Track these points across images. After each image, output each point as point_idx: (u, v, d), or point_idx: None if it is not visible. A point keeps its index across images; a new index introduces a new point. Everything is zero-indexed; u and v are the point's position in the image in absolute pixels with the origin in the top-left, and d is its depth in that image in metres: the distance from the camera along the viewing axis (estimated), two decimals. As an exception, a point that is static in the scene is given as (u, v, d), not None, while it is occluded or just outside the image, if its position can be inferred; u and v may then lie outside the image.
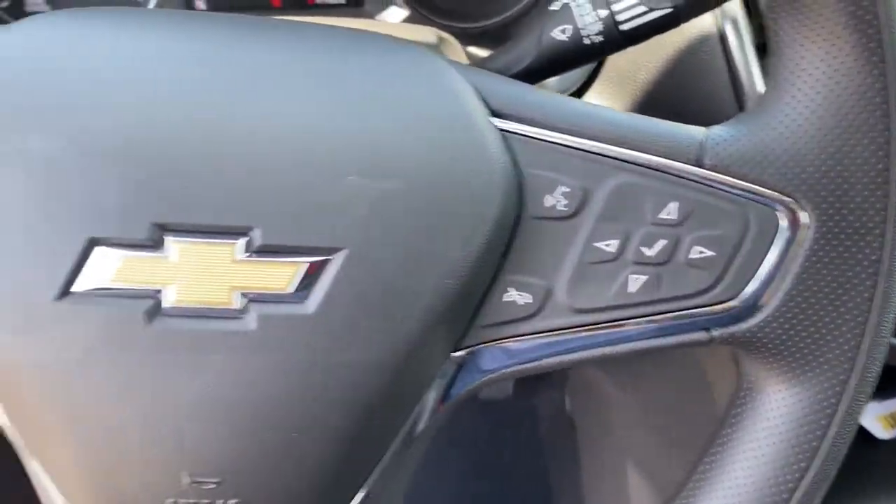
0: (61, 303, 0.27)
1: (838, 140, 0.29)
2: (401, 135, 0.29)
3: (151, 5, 0.58)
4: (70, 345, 0.27)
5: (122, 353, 0.27)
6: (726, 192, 0.31)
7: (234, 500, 0.29)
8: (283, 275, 0.27)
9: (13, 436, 0.30)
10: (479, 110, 0.31)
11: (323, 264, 0.28)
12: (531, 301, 0.31)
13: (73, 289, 0.27)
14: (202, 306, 0.27)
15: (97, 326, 0.27)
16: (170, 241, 0.27)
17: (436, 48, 0.47)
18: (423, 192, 0.29)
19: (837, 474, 0.74)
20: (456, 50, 0.53)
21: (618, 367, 0.85)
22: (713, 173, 0.30)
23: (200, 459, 0.28)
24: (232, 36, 0.31)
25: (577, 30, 0.41)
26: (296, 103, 0.28)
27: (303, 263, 0.27)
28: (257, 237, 0.27)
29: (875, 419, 0.78)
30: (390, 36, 0.34)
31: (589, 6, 0.41)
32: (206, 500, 0.29)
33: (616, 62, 0.48)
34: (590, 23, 0.41)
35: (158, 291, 0.27)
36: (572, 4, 0.42)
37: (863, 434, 0.77)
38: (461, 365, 0.32)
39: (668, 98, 0.50)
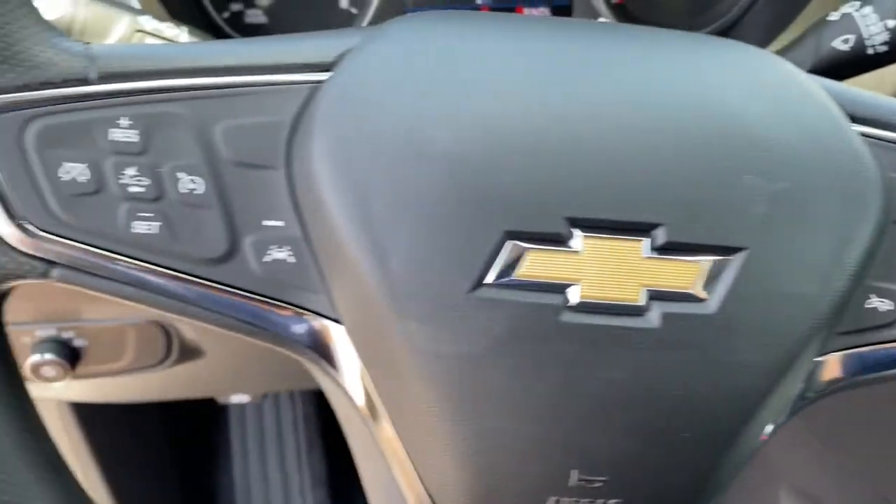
0: (474, 294, 0.27)
1: None
2: (783, 137, 0.29)
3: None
4: (480, 335, 0.27)
5: (529, 345, 0.27)
6: None
7: (615, 501, 0.29)
8: (687, 273, 0.27)
9: (372, 417, 0.30)
10: (841, 115, 0.31)
11: (724, 264, 0.28)
12: (892, 308, 0.31)
13: (486, 280, 0.27)
14: (608, 302, 0.27)
15: (507, 318, 0.27)
16: (579, 237, 0.27)
17: None
18: (809, 193, 0.29)
19: None
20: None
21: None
22: None
23: (593, 457, 0.28)
24: (590, 37, 0.31)
25: (860, 39, 0.41)
26: (685, 105, 0.29)
27: (706, 262, 0.27)
28: (662, 235, 0.27)
29: None
30: (716, 37, 0.34)
31: (875, 16, 0.41)
32: (588, 500, 0.29)
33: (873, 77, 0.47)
34: (875, 33, 0.41)
35: (567, 286, 0.27)
36: (856, 15, 0.42)
37: None
38: (816, 374, 0.31)
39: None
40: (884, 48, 0.41)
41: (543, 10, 0.62)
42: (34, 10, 0.28)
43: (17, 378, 0.31)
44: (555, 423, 0.28)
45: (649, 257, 0.27)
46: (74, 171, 0.27)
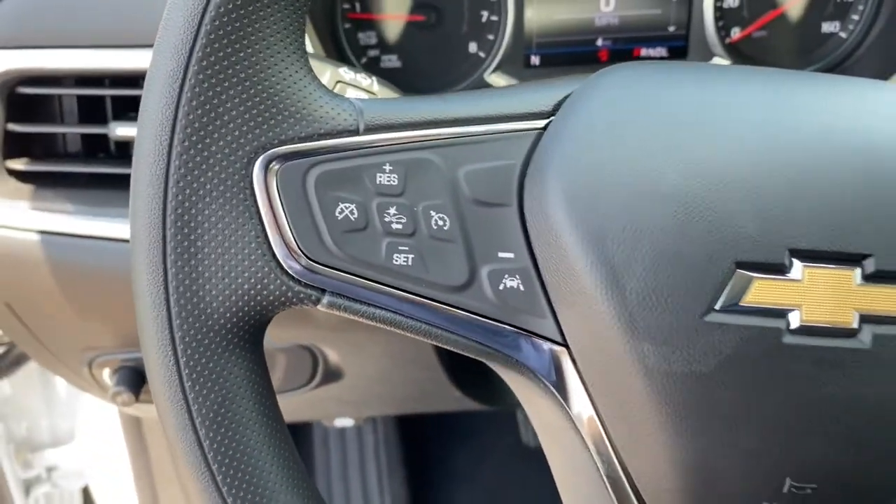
0: (704, 319, 0.30)
1: None
2: None
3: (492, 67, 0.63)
4: (709, 356, 0.30)
5: (754, 364, 0.30)
6: None
7: None
8: (894, 298, 0.30)
9: (591, 437, 0.33)
10: None
11: None
12: None
13: (716, 307, 0.30)
14: (826, 325, 0.30)
15: (734, 340, 0.30)
16: (798, 266, 0.30)
17: None
18: None
19: None
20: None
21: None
22: None
23: (806, 466, 0.31)
24: (780, 84, 0.34)
25: None
26: (880, 145, 0.32)
27: (914, 288, 0.30)
28: (871, 264, 0.30)
29: None
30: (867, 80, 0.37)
31: None
32: None
33: None
34: None
35: (789, 311, 0.30)
36: None
37: None
38: None
39: None
40: None
41: (661, 50, 0.65)
42: (311, 70, 0.32)
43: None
44: (773, 434, 0.31)
45: (861, 284, 0.30)
46: (347, 210, 0.31)
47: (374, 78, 0.45)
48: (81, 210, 0.54)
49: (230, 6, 0.29)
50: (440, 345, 0.34)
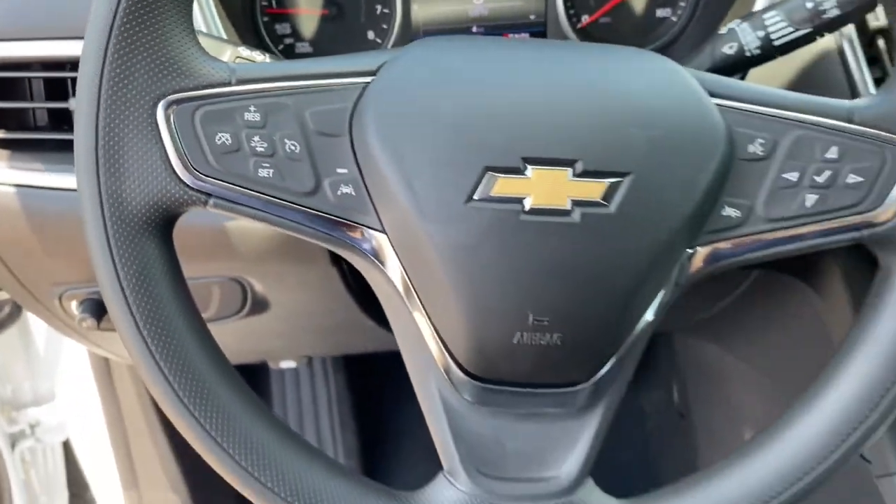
0: (467, 205, 0.44)
1: None
2: (660, 103, 0.46)
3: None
4: (470, 230, 0.44)
5: (500, 235, 0.44)
6: (869, 139, 0.47)
7: (557, 334, 0.46)
8: (597, 189, 0.45)
9: (405, 294, 0.47)
10: (702, 91, 0.48)
11: (619, 183, 0.45)
12: (740, 215, 0.48)
13: (475, 197, 0.44)
14: (548, 207, 0.44)
15: (488, 219, 0.44)
16: (529, 168, 0.44)
17: None
18: (675, 139, 0.46)
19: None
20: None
21: (734, 338, 0.99)
22: (860, 127, 0.47)
23: (541, 304, 0.45)
24: (533, 50, 0.49)
25: (741, 45, 0.59)
26: (599, 89, 0.46)
27: (607, 182, 0.45)
28: (580, 166, 0.45)
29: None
30: (629, 48, 0.51)
31: (749, 29, 0.59)
32: (539, 334, 0.46)
33: (756, 74, 0.65)
34: (750, 41, 0.59)
35: (523, 198, 0.45)
36: (737, 28, 0.59)
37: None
38: (688, 262, 0.48)
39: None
40: (757, 51, 0.59)
41: (524, 35, 0.80)
42: (198, 42, 0.46)
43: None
44: (517, 282, 0.45)
45: (572, 180, 0.45)
46: (223, 138, 0.45)
47: (267, 55, 0.59)
48: (49, 168, 0.68)
49: (134, 5, 0.43)
50: (300, 237, 0.48)
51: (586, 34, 0.79)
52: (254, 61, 0.58)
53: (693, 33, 0.78)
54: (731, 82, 0.50)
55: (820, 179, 0.47)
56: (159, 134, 0.44)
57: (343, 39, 0.79)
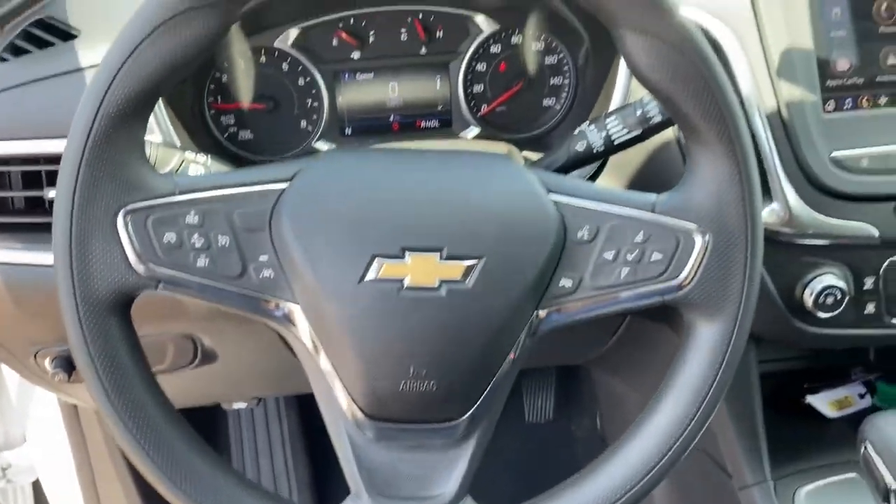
0: (360, 284, 0.58)
1: (722, 199, 0.60)
2: (508, 202, 0.61)
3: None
4: (363, 304, 0.58)
5: (385, 307, 0.58)
6: (666, 227, 0.61)
7: (433, 381, 0.59)
8: (458, 270, 0.59)
9: (314, 351, 0.61)
10: (541, 190, 0.62)
11: (474, 265, 0.59)
12: (572, 284, 0.62)
13: (366, 279, 0.58)
14: (421, 286, 0.58)
15: (375, 296, 0.58)
16: (408, 255, 0.58)
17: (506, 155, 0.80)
18: (519, 230, 0.60)
19: (793, 445, 1.04)
20: (517, 156, 0.86)
21: (627, 371, 1.14)
22: (659, 216, 0.61)
23: (418, 359, 0.59)
24: (412, 161, 0.63)
25: (589, 144, 0.74)
26: (457, 197, 0.60)
27: (466, 264, 0.59)
28: (446, 251, 0.59)
29: (826, 403, 1.06)
30: (485, 152, 0.66)
31: (595, 130, 0.74)
32: (419, 382, 0.59)
33: (617, 159, 0.80)
34: (596, 140, 0.74)
35: (402, 279, 0.58)
36: (586, 130, 0.74)
37: (816, 414, 1.04)
38: (537, 320, 0.62)
39: (646, 174, 0.83)
40: (602, 149, 0.74)
41: (434, 122, 0.94)
42: (148, 162, 0.59)
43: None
44: (400, 342, 0.59)
45: (440, 262, 0.59)
46: (169, 237, 0.58)
47: (208, 155, 0.73)
48: (26, 247, 0.80)
49: (98, 139, 0.56)
50: (232, 311, 0.61)
51: (485, 121, 0.94)
52: (199, 162, 0.72)
53: (572, 120, 0.94)
54: (566, 181, 0.64)
55: (631, 257, 0.61)
56: (119, 237, 0.57)
57: (279, 128, 0.92)
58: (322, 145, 0.93)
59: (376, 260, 0.58)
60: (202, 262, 0.59)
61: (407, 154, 0.65)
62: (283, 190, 0.61)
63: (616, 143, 0.73)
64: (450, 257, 0.59)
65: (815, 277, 0.81)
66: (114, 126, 0.56)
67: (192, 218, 0.59)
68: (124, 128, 0.57)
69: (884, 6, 0.81)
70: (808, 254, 0.81)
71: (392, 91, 0.92)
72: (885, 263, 0.81)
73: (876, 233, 0.79)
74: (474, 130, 0.94)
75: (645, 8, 0.57)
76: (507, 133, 0.94)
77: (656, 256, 0.62)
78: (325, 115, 0.92)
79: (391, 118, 0.94)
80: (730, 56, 0.80)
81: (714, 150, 0.60)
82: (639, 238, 0.61)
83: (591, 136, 0.74)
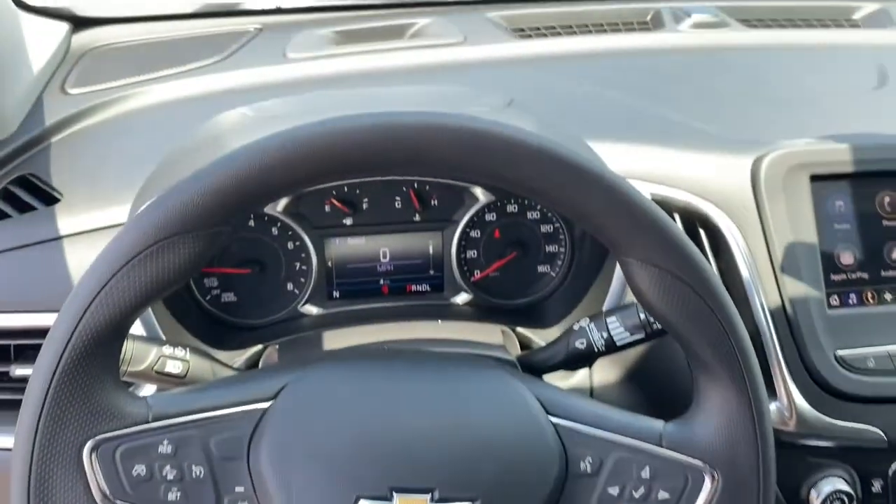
0: None
1: (734, 437, 0.57)
2: (504, 432, 0.57)
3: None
4: None
5: None
6: (674, 462, 0.58)
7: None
8: (451, 512, 0.54)
9: None
10: (541, 414, 0.59)
11: None
12: None
13: None
14: None
15: None
16: (396, 497, 0.54)
17: (502, 346, 0.77)
18: (516, 465, 0.56)
19: None
20: (512, 339, 0.82)
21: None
22: (667, 451, 0.58)
23: None
24: (405, 377, 0.59)
25: (590, 343, 0.71)
26: (450, 423, 0.56)
27: (461, 506, 0.55)
28: (437, 493, 0.54)
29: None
30: (480, 357, 0.62)
31: (596, 329, 0.71)
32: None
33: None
34: (597, 339, 0.71)
35: None
36: (587, 328, 0.71)
37: None
38: None
39: (645, 371, 0.80)
40: (603, 348, 0.71)
41: (425, 286, 0.91)
42: (120, 386, 0.55)
43: None
44: None
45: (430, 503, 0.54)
46: (139, 469, 0.54)
47: (187, 348, 0.69)
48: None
49: (67, 371, 0.52)
50: None
51: (478, 286, 0.91)
52: (178, 358, 0.68)
53: (567, 288, 0.91)
54: (567, 401, 0.61)
55: (637, 495, 0.58)
56: (84, 472, 0.53)
57: (264, 290, 0.89)
58: (309, 309, 0.89)
59: (361, 501, 0.54)
60: (173, 495, 0.54)
61: (399, 368, 0.61)
62: (266, 410, 0.57)
63: (619, 344, 0.70)
64: (442, 500, 0.55)
65: (821, 479, 0.77)
66: (86, 355, 0.52)
67: (164, 447, 0.54)
68: (97, 355, 0.53)
69: (886, 200, 0.80)
70: (814, 455, 0.78)
71: (383, 256, 0.90)
72: (894, 466, 0.78)
73: (883, 436, 0.76)
74: (465, 296, 0.91)
75: (652, 240, 0.54)
76: (499, 299, 0.91)
77: (663, 495, 0.58)
78: (312, 277, 0.88)
79: (381, 282, 0.90)
80: (731, 247, 0.78)
81: (725, 385, 0.57)
82: (645, 474, 0.58)
83: (591, 334, 0.71)
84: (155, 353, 0.67)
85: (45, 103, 0.96)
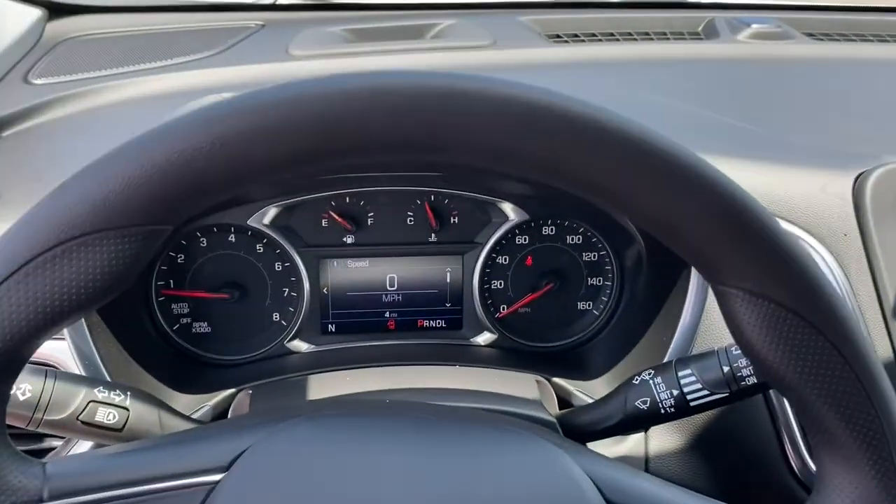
0: None
1: None
2: None
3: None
4: None
5: None
6: None
7: None
8: None
9: None
10: (599, 502, 0.42)
11: None
12: None
13: None
14: None
15: None
16: None
17: (538, 402, 0.60)
18: None
19: None
20: (549, 392, 0.66)
21: None
22: None
23: None
24: (404, 439, 0.43)
25: (654, 402, 0.54)
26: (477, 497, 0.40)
27: None
28: None
29: None
30: (515, 421, 0.46)
31: (664, 385, 0.54)
32: None
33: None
34: (665, 398, 0.54)
35: None
36: (651, 382, 0.55)
37: None
38: None
39: (715, 435, 0.63)
40: (672, 409, 0.54)
41: (440, 322, 0.75)
42: (10, 447, 0.39)
43: None
44: None
45: None
46: None
47: (128, 392, 0.53)
48: None
49: None
50: None
51: (503, 323, 0.75)
52: (113, 404, 0.51)
53: (616, 331, 0.75)
54: (632, 484, 0.44)
55: None
56: None
57: (245, 321, 0.73)
58: (297, 345, 0.73)
59: None
60: None
61: (403, 432, 0.44)
62: (213, 487, 0.40)
63: (693, 405, 0.54)
64: None
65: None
66: None
67: None
68: None
69: None
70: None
71: (390, 283, 0.74)
72: None
73: None
74: (489, 336, 0.75)
75: (771, 266, 0.38)
76: (529, 341, 0.75)
77: None
78: (304, 307, 0.73)
79: (387, 315, 0.74)
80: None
81: (854, 458, 0.40)
82: None
83: (657, 390, 0.54)
84: (83, 396, 0.51)
85: (1, 93, 0.82)
